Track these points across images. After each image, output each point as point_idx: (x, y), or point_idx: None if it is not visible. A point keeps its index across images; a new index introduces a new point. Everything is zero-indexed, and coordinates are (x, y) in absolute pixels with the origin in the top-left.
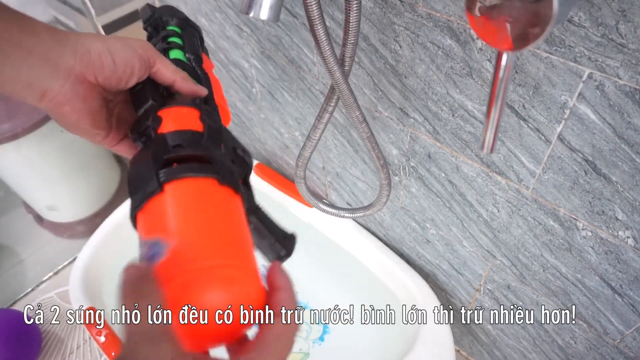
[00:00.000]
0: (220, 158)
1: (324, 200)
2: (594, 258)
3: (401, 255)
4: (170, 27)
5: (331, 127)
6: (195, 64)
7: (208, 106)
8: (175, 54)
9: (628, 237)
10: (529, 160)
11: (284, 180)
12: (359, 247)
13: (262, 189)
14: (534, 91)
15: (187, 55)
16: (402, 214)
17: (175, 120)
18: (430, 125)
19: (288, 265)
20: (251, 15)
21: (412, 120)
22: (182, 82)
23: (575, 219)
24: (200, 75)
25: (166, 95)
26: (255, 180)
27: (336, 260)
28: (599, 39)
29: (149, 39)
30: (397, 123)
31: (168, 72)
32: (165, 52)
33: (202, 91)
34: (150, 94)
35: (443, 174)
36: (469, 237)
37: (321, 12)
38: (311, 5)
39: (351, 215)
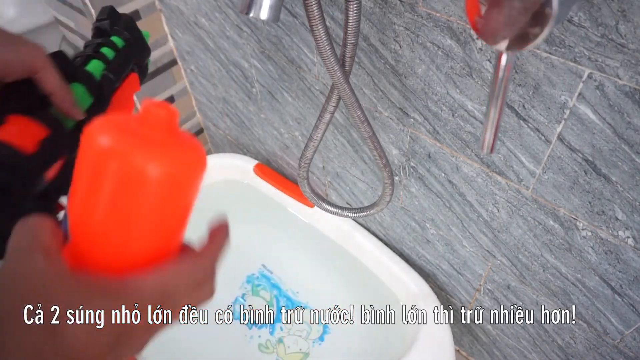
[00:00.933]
0: (21, 191)
1: (327, 200)
2: (593, 258)
3: (401, 255)
4: (114, 38)
5: (331, 127)
6: (107, 85)
7: (75, 132)
8: (93, 65)
9: (628, 237)
10: (529, 160)
11: (284, 180)
12: (359, 247)
13: (262, 189)
14: (534, 91)
15: (105, 72)
16: (402, 214)
17: (11, 130)
18: (430, 125)
19: (289, 264)
20: (251, 15)
21: (412, 120)
22: (60, 97)
23: (575, 219)
24: (104, 96)
25: (44, 102)
26: (255, 180)
27: (336, 260)
28: (598, 39)
29: (92, 38)
30: (397, 123)
31: (49, 83)
32: (87, 59)
33: (77, 115)
34: (17, 94)
35: (443, 174)
36: (469, 237)
37: (321, 12)
38: (311, 5)
39: (354, 214)
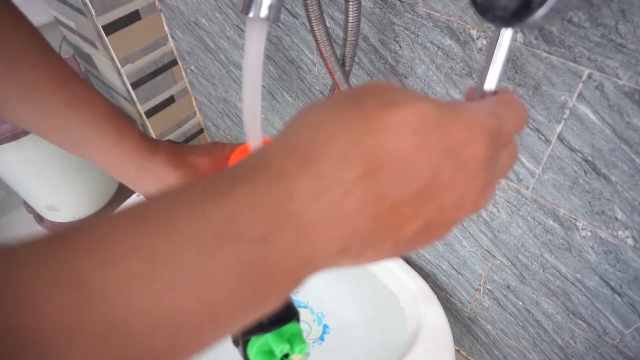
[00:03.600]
0: None
1: None
2: (593, 258)
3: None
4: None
5: None
6: None
7: None
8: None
9: (627, 237)
10: (528, 160)
11: None
12: None
13: None
14: (533, 91)
15: None
16: None
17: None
18: None
19: None
20: (251, 15)
21: None
22: None
23: (574, 218)
24: None
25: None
26: None
27: None
28: (598, 39)
29: None
30: None
31: None
32: None
33: None
34: None
35: None
36: (469, 237)
37: (321, 12)
38: (311, 5)
39: None
